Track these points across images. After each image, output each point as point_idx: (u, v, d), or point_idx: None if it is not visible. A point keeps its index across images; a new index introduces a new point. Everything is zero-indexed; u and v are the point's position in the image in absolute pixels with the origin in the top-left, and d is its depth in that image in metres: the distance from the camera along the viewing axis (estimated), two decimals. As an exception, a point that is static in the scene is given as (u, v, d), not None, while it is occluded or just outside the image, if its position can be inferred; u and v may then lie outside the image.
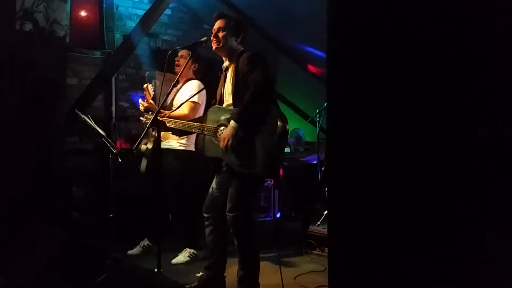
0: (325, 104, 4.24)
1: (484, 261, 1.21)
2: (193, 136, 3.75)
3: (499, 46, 1.19)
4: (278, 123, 2.60)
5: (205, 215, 2.96)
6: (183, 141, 3.78)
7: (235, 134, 2.62)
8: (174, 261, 3.75)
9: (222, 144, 2.65)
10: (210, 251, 2.96)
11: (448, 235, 1.27)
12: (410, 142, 1.35)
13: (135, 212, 4.24)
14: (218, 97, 2.97)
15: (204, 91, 3.72)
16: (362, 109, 1.48)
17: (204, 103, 3.73)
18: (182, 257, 3.78)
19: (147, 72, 4.56)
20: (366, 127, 1.47)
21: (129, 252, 3.92)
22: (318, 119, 4.66)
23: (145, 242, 3.98)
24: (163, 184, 3.60)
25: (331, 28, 1.58)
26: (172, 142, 3.76)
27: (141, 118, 3.47)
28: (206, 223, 2.95)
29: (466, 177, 1.24)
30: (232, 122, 2.64)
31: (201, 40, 2.87)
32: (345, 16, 1.55)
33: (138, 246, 3.97)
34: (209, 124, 2.85)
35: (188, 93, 3.59)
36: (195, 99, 3.55)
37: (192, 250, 3.81)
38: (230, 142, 2.61)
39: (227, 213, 2.77)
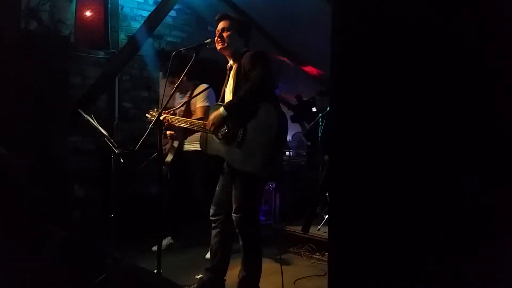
0: (328, 108, 4.24)
1: (485, 261, 1.20)
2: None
3: (500, 45, 1.19)
4: (276, 121, 2.59)
5: (212, 218, 2.95)
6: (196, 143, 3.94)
7: (221, 121, 2.67)
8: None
9: (207, 126, 2.73)
10: (214, 253, 2.95)
11: (449, 242, 1.26)
12: (413, 148, 1.35)
13: (136, 212, 4.27)
14: (221, 95, 2.98)
15: (210, 89, 3.85)
16: (365, 113, 1.48)
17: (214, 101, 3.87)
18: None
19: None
20: (369, 131, 1.47)
21: (154, 248, 3.91)
22: (320, 123, 4.66)
23: (169, 240, 4.14)
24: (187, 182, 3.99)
25: (336, 30, 1.58)
26: (187, 144, 3.95)
27: (147, 115, 3.42)
28: (214, 225, 2.94)
29: (466, 178, 1.24)
30: (221, 108, 2.67)
31: (205, 42, 2.87)
32: (350, 18, 1.54)
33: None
34: None
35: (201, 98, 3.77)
36: (207, 103, 3.77)
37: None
38: (213, 126, 2.69)
39: (233, 214, 2.77)
